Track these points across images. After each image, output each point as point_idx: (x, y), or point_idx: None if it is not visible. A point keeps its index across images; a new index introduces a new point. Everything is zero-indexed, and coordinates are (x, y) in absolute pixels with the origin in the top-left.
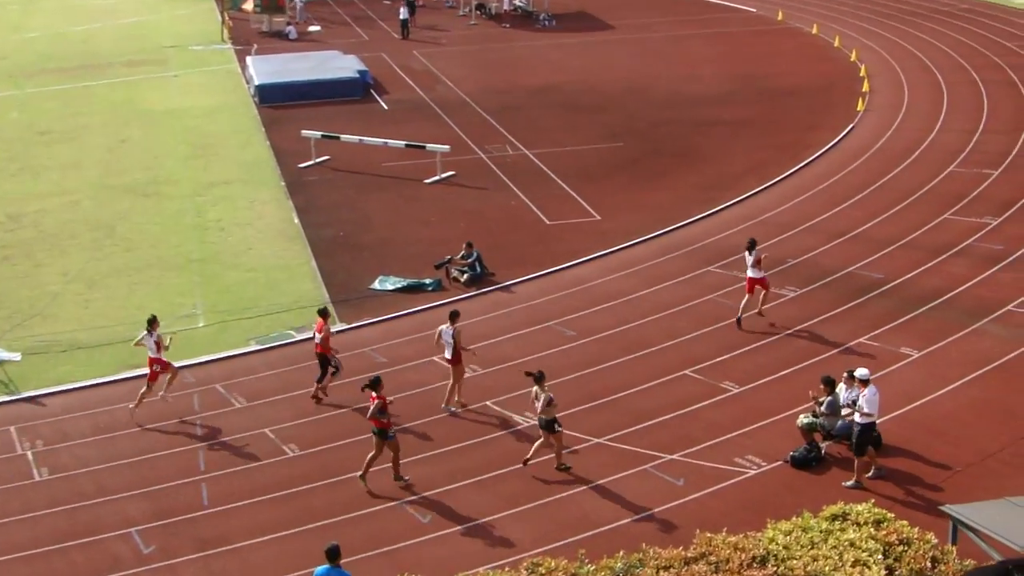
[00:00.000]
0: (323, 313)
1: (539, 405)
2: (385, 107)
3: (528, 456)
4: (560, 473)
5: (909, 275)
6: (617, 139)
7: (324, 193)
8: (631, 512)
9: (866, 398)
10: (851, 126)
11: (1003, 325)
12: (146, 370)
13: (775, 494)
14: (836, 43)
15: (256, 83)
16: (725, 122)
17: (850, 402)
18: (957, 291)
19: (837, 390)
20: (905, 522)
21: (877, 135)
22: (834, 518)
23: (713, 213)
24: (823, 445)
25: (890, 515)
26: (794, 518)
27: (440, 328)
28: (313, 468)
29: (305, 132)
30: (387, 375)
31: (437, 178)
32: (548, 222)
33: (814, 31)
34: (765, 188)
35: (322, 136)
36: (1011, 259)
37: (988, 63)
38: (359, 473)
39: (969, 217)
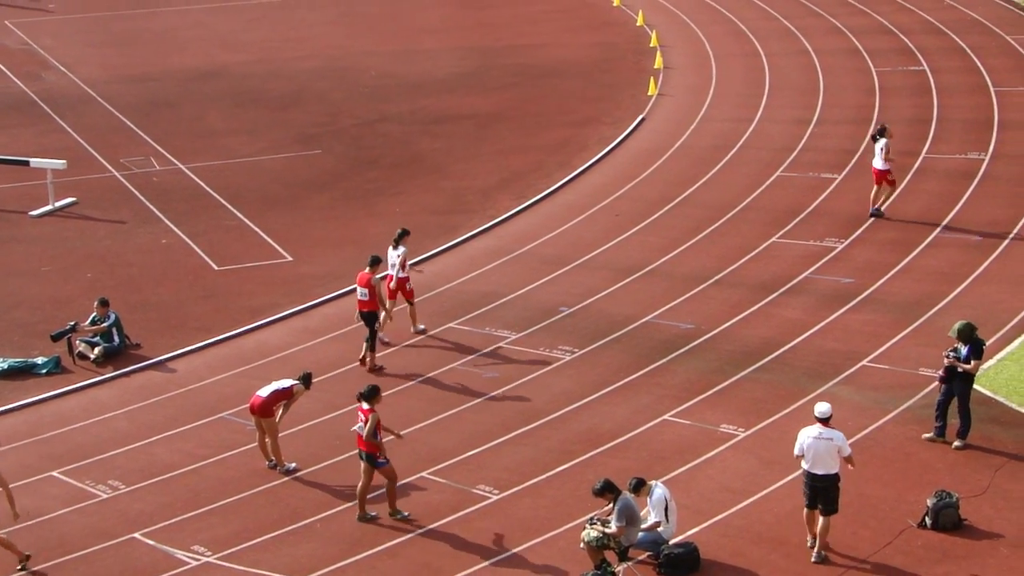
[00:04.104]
0: (375, 261)
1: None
2: None
3: None
4: None
5: (727, 323)
6: (313, 144)
7: None
8: None
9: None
10: (640, 117)
11: (856, 388)
12: None
13: None
14: (616, 0)
15: None
16: (464, 116)
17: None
18: (793, 343)
19: (631, 495)
20: None
21: (676, 129)
22: None
23: (452, 247)
24: (619, 569)
25: None
26: None
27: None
28: None
29: None
30: None
31: (49, 208)
32: (217, 267)
33: None
34: (524, 208)
35: None
36: (863, 296)
37: (823, 26)
38: (357, 515)
39: (805, 240)
